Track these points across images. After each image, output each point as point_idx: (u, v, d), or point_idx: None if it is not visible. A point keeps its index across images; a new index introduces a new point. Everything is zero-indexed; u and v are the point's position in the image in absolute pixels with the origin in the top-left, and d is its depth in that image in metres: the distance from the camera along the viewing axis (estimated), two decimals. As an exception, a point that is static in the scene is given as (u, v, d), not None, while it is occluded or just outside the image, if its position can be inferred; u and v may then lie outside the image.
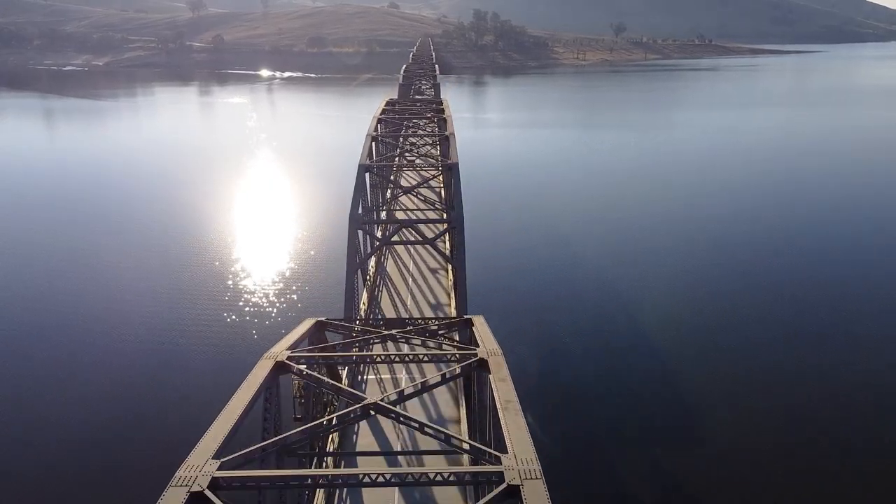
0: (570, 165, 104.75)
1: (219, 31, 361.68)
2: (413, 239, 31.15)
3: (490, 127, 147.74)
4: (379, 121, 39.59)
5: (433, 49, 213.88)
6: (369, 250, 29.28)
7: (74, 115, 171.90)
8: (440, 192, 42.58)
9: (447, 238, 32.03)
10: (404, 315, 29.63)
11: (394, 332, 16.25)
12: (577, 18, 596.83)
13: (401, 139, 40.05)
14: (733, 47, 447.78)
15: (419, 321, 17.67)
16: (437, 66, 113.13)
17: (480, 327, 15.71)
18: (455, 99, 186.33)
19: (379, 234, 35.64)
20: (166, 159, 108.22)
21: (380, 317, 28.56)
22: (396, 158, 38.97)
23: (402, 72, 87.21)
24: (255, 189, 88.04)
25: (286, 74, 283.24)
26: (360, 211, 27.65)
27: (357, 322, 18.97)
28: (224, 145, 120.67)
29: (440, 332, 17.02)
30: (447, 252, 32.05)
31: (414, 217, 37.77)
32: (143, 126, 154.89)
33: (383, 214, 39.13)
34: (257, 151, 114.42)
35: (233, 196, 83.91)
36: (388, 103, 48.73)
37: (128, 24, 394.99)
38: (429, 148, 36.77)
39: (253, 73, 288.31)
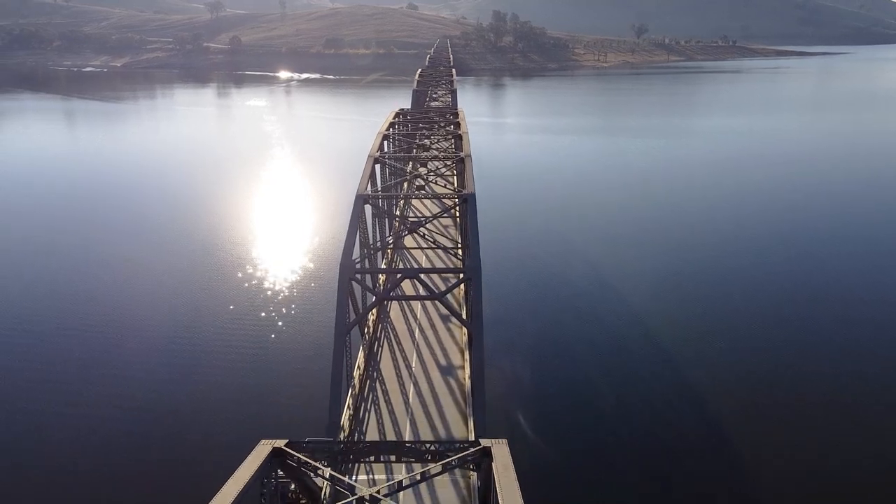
0: (595, 177, 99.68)
1: (237, 32, 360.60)
2: (418, 292, 26.49)
3: (508, 132, 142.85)
4: (384, 138, 34.66)
5: (451, 51, 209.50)
6: (367, 304, 24.31)
7: (87, 117, 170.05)
8: (454, 219, 37.63)
9: (461, 289, 27.43)
10: (408, 379, 24.75)
11: (377, 489, 11.59)
12: (598, 19, 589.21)
13: (410, 161, 35.22)
14: (758, 48, 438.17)
15: (417, 447, 13.09)
16: (454, 69, 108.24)
17: (502, 469, 11.15)
18: (473, 102, 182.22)
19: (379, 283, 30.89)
20: (178, 169, 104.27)
21: (370, 422, 22.99)
22: (404, 186, 33.86)
23: (416, 76, 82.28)
24: (265, 204, 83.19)
25: (304, 76, 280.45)
26: (354, 256, 22.91)
27: (338, 445, 14.14)
28: (240, 153, 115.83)
29: (449, 461, 12.48)
30: (460, 307, 27.25)
31: (421, 263, 32.76)
32: (154, 133, 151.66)
33: (385, 257, 33.88)
34: (273, 161, 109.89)
35: (239, 212, 79.34)
36: (396, 115, 44.04)
37: (146, 26, 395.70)
38: (442, 170, 31.85)
39: (270, 74, 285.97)
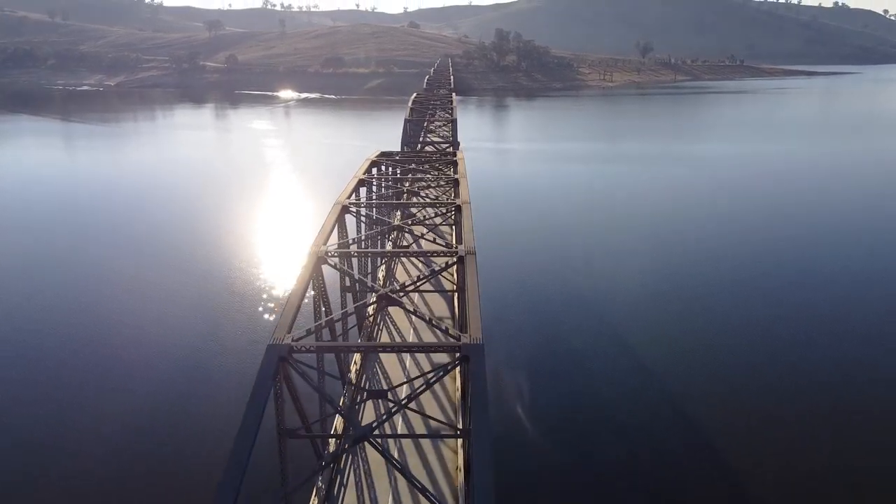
0: (605, 206, 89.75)
1: (235, 51, 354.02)
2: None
3: (513, 160, 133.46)
4: (345, 210, 23.67)
5: (452, 71, 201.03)
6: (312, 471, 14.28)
7: (75, 141, 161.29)
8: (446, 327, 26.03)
9: (458, 450, 17.42)
10: None
11: None
12: (602, 38, 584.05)
13: (385, 240, 24.79)
14: (766, 68, 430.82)
15: None
16: (454, 94, 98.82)
17: None
18: (475, 125, 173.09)
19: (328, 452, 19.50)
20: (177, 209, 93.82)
21: None
22: (372, 292, 22.64)
23: (409, 103, 72.66)
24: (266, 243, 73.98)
25: (303, 95, 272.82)
26: (286, 418, 13.83)
27: None
28: (247, 189, 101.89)
29: None
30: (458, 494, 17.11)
31: (393, 457, 21.69)
32: (147, 167, 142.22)
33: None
34: (280, 197, 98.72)
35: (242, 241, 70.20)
36: (374, 162, 34.25)
37: (144, 44, 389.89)
38: (429, 273, 21.01)
39: (269, 93, 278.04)
